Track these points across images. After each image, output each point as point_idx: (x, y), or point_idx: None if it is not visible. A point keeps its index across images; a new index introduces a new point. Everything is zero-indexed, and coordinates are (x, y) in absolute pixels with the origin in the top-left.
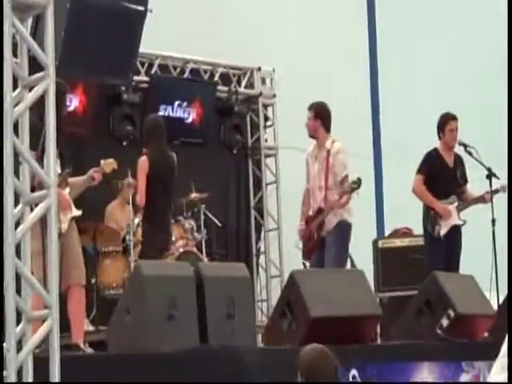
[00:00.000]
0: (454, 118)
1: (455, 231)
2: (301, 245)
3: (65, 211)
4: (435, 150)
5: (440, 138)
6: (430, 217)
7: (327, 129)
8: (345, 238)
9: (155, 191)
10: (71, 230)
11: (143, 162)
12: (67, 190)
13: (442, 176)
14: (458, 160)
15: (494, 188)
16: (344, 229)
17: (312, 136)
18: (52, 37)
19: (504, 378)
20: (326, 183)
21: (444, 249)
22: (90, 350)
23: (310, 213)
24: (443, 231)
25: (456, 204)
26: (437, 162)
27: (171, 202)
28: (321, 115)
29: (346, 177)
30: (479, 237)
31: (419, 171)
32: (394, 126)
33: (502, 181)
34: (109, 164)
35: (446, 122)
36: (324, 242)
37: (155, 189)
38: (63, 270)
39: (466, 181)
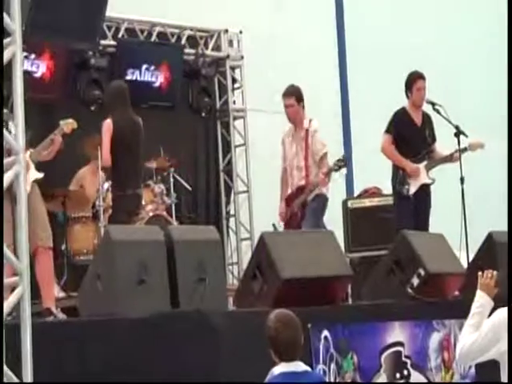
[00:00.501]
0: (421, 76)
1: (424, 190)
2: (282, 225)
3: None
4: (403, 109)
5: (408, 96)
6: (399, 176)
7: (303, 108)
8: (320, 208)
9: (121, 155)
10: (34, 192)
11: (107, 124)
12: (28, 152)
13: (410, 135)
14: (427, 118)
15: (462, 147)
16: (321, 200)
17: (293, 122)
18: (18, 2)
19: (474, 338)
20: (306, 162)
21: (413, 208)
22: (62, 316)
23: (289, 191)
24: (412, 190)
25: (425, 163)
26: (405, 121)
27: (139, 166)
28: (301, 98)
29: (326, 154)
30: (448, 195)
31: (387, 131)
32: (360, 87)
33: (469, 139)
34: (68, 124)
35: (413, 81)
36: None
37: (121, 153)
38: (30, 233)
39: (434, 139)
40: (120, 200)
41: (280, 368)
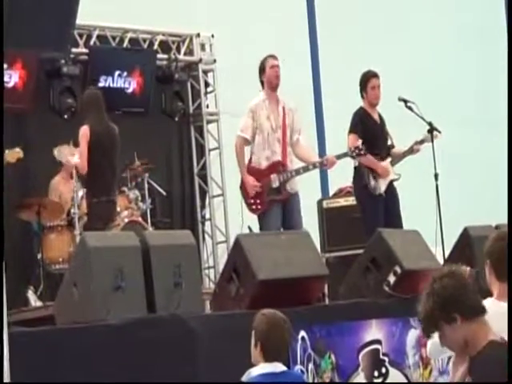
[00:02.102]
0: (374, 75)
1: (391, 187)
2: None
3: None
4: (361, 108)
5: (363, 96)
6: (370, 175)
7: None
8: None
9: (98, 162)
10: None
11: (84, 129)
12: None
13: (372, 133)
14: (382, 118)
15: (420, 138)
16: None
17: (277, 85)
18: None
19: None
20: (284, 138)
21: (383, 206)
22: None
23: (254, 164)
24: (382, 188)
25: (389, 159)
26: (366, 120)
27: (115, 173)
28: None
29: (298, 139)
30: (423, 192)
31: (352, 130)
32: (333, 86)
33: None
34: (13, 153)
35: (367, 80)
36: (290, 196)
37: (98, 160)
38: None
39: (390, 138)
40: (95, 207)
41: (258, 369)
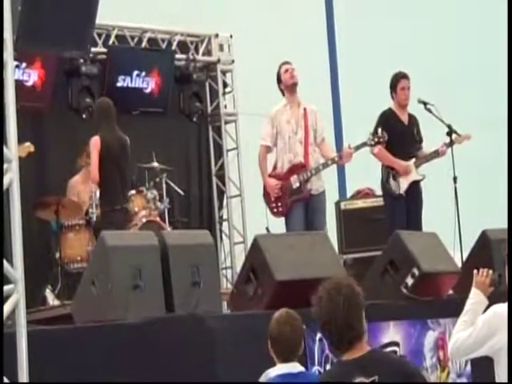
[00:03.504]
0: (405, 76)
1: (414, 187)
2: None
3: None
4: (389, 109)
5: (393, 97)
6: (390, 175)
7: None
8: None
9: (109, 172)
10: None
11: (95, 140)
12: None
13: (398, 134)
14: (413, 119)
15: (449, 141)
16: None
17: (295, 85)
18: (9, 11)
19: (468, 333)
20: (306, 141)
21: (404, 206)
22: None
23: (278, 169)
24: (403, 188)
25: (413, 160)
26: (392, 121)
27: (127, 182)
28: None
29: (324, 139)
30: (442, 194)
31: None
32: (351, 87)
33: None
34: (23, 148)
35: (397, 81)
36: (311, 197)
37: (109, 170)
38: None
39: (421, 140)
40: (109, 215)
41: (276, 370)
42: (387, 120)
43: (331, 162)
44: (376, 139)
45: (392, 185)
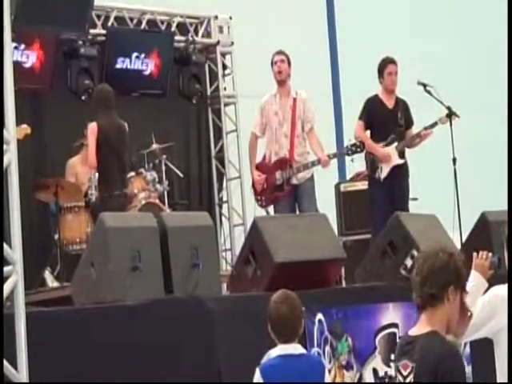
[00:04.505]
0: (392, 61)
1: (397, 171)
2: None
3: None
4: (375, 95)
5: (380, 82)
6: (370, 160)
7: (289, 77)
8: (314, 190)
9: (106, 158)
10: None
11: (92, 126)
12: None
13: (380, 118)
14: (401, 104)
15: (431, 123)
16: (313, 182)
17: (283, 81)
18: None
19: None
20: (292, 133)
21: (386, 191)
22: None
23: (266, 160)
24: (384, 174)
25: (395, 144)
26: (375, 106)
27: (125, 168)
28: (290, 64)
29: (312, 128)
30: (441, 176)
31: (360, 117)
32: (351, 70)
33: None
34: (20, 130)
35: (384, 66)
36: (295, 188)
37: (106, 156)
38: None
39: (410, 123)
40: (107, 201)
41: (277, 350)
42: (371, 105)
43: (311, 164)
44: (353, 148)
45: (372, 170)
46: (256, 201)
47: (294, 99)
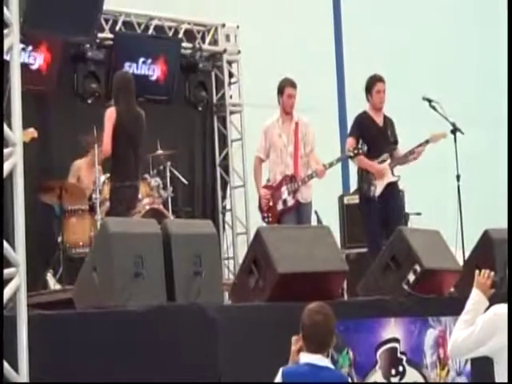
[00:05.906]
0: (380, 79)
1: (391, 188)
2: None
3: None
4: (364, 112)
5: (368, 99)
6: (364, 178)
7: None
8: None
9: (122, 146)
10: None
11: (110, 112)
12: None
13: (373, 136)
14: (388, 121)
15: (423, 140)
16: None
17: (289, 113)
18: None
19: (468, 332)
20: (295, 153)
21: (380, 209)
22: None
23: (271, 182)
24: (378, 191)
25: (388, 161)
26: (366, 123)
27: (139, 159)
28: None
29: (312, 150)
30: (444, 192)
31: (350, 134)
32: (358, 81)
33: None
34: (27, 133)
35: (373, 84)
36: (300, 205)
37: (122, 144)
38: None
39: (396, 141)
40: (118, 191)
41: (305, 358)
42: (361, 122)
43: (311, 176)
44: (355, 151)
45: (366, 188)
46: (262, 219)
47: (297, 123)
